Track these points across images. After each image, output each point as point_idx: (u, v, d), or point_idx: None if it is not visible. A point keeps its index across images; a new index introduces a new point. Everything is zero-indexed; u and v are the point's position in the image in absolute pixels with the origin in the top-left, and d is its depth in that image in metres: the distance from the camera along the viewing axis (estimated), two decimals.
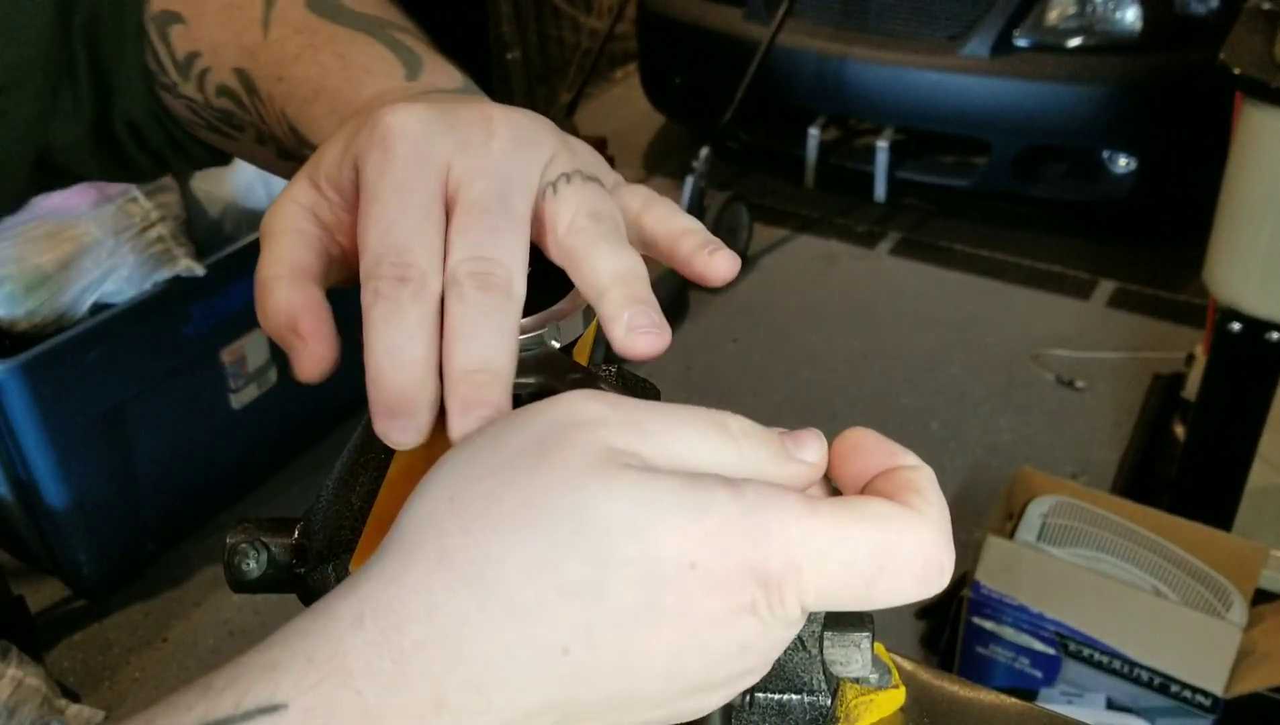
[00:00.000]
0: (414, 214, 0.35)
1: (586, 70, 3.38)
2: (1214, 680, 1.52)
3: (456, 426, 0.34)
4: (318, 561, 0.44)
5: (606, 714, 0.30)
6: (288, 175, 0.50)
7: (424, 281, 0.35)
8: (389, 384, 0.34)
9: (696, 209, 2.93)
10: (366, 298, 0.35)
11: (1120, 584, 1.59)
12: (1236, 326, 1.63)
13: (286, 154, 0.51)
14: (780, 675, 0.48)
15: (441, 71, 0.46)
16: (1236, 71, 1.50)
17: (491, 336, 0.34)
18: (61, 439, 1.88)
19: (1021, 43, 3.01)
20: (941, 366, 2.72)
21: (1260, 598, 1.67)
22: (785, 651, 0.47)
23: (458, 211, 0.36)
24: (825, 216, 3.38)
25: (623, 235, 0.39)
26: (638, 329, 0.37)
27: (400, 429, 0.34)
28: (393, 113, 0.37)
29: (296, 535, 0.47)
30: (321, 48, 0.47)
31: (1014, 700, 0.55)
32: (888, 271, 3.13)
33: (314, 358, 0.38)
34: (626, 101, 4.02)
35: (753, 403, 2.60)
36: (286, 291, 0.38)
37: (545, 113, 0.44)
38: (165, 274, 1.94)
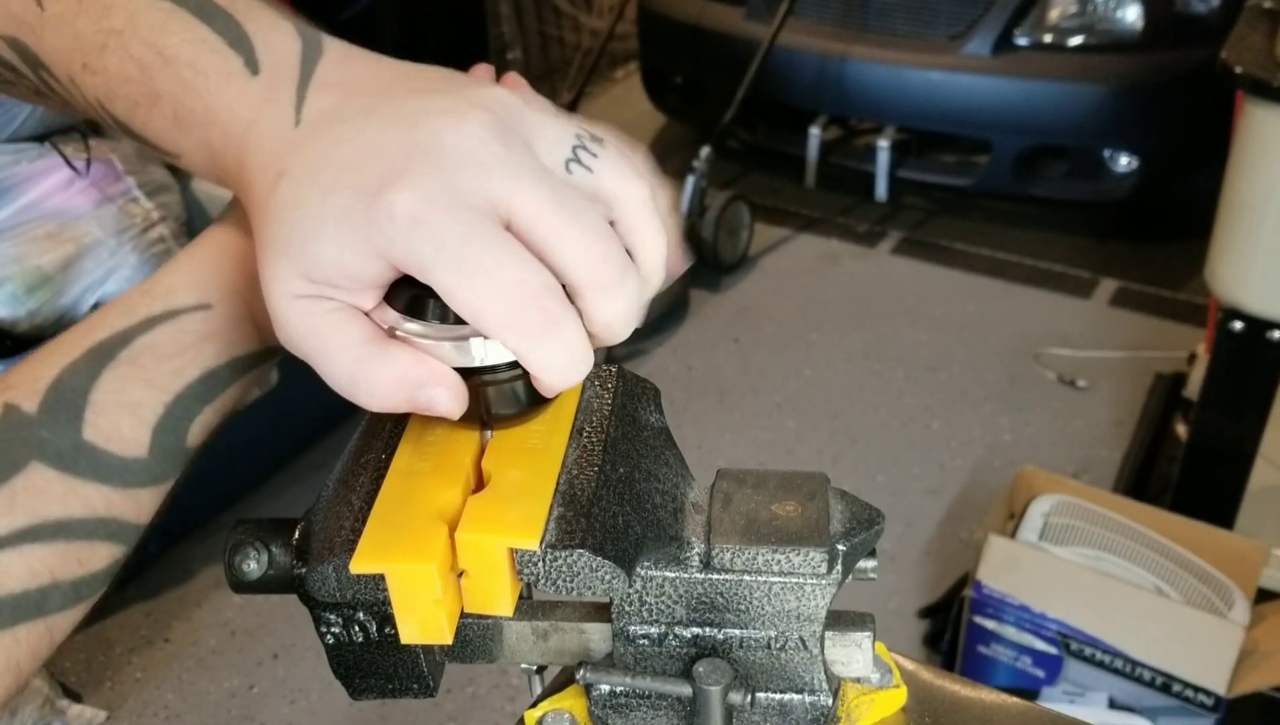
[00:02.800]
0: (510, 257, 0.37)
1: (587, 70, 3.37)
2: (1216, 679, 1.52)
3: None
4: (318, 561, 0.44)
5: None
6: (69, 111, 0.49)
7: (563, 304, 0.38)
8: (570, 375, 0.39)
9: (698, 208, 2.93)
10: (521, 339, 0.37)
11: (1122, 583, 1.59)
12: (1238, 325, 1.63)
13: (73, 108, 0.47)
14: (782, 675, 0.48)
15: (276, 41, 0.41)
16: (1238, 70, 1.50)
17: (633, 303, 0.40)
18: None
19: (1022, 42, 3.01)
20: (943, 366, 2.72)
21: (1262, 597, 1.67)
22: (787, 651, 0.47)
23: (530, 229, 0.37)
24: (826, 216, 3.38)
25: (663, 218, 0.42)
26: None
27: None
28: (397, 192, 0.36)
29: (297, 536, 0.47)
30: (126, 35, 0.42)
31: (1016, 700, 0.55)
32: (889, 271, 3.13)
33: (457, 396, 0.40)
34: (627, 101, 4.02)
35: (753, 402, 2.60)
36: (383, 365, 0.39)
37: None
38: None
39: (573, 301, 0.39)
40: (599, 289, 0.38)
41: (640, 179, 0.41)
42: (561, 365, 0.38)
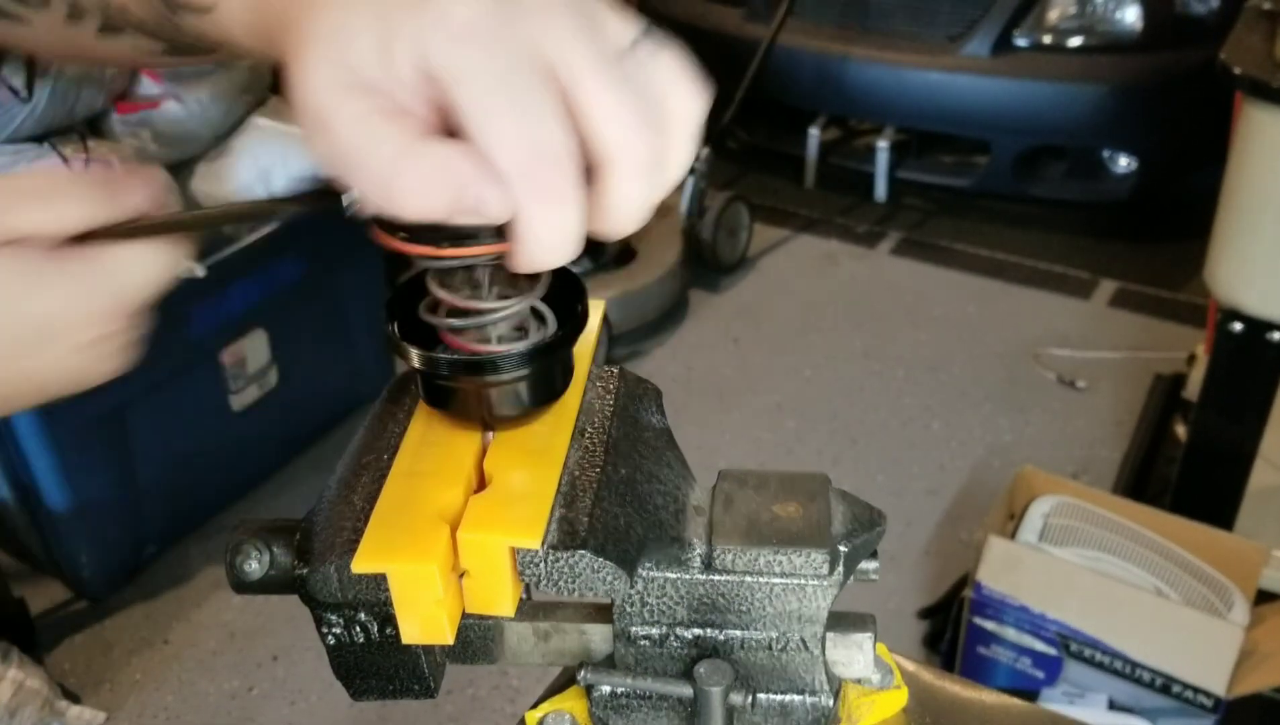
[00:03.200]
0: (546, 108, 0.35)
1: None
2: (1216, 680, 1.52)
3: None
4: (319, 561, 0.44)
5: None
6: (99, 55, 0.48)
7: (579, 180, 0.36)
8: (556, 254, 0.37)
9: (697, 209, 2.93)
10: (526, 194, 0.36)
11: (1122, 584, 1.59)
12: (1238, 326, 1.63)
13: (117, 27, 0.46)
14: (783, 676, 0.48)
15: None
16: (1237, 71, 1.50)
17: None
18: (62, 441, 1.88)
19: (1022, 42, 3.01)
20: (942, 366, 2.72)
21: (1262, 598, 1.67)
22: (788, 652, 0.47)
23: (579, 92, 0.36)
24: (826, 216, 3.38)
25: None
26: None
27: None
28: (461, 2, 0.35)
29: (298, 536, 0.47)
30: None
31: (1016, 700, 0.56)
32: (888, 271, 3.13)
33: (508, 196, 0.36)
34: None
35: (753, 402, 2.60)
36: (429, 158, 0.35)
37: None
38: None
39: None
40: (633, 167, 0.37)
41: (696, 94, 0.40)
42: (551, 240, 0.37)
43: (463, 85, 0.35)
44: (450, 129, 0.37)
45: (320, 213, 0.39)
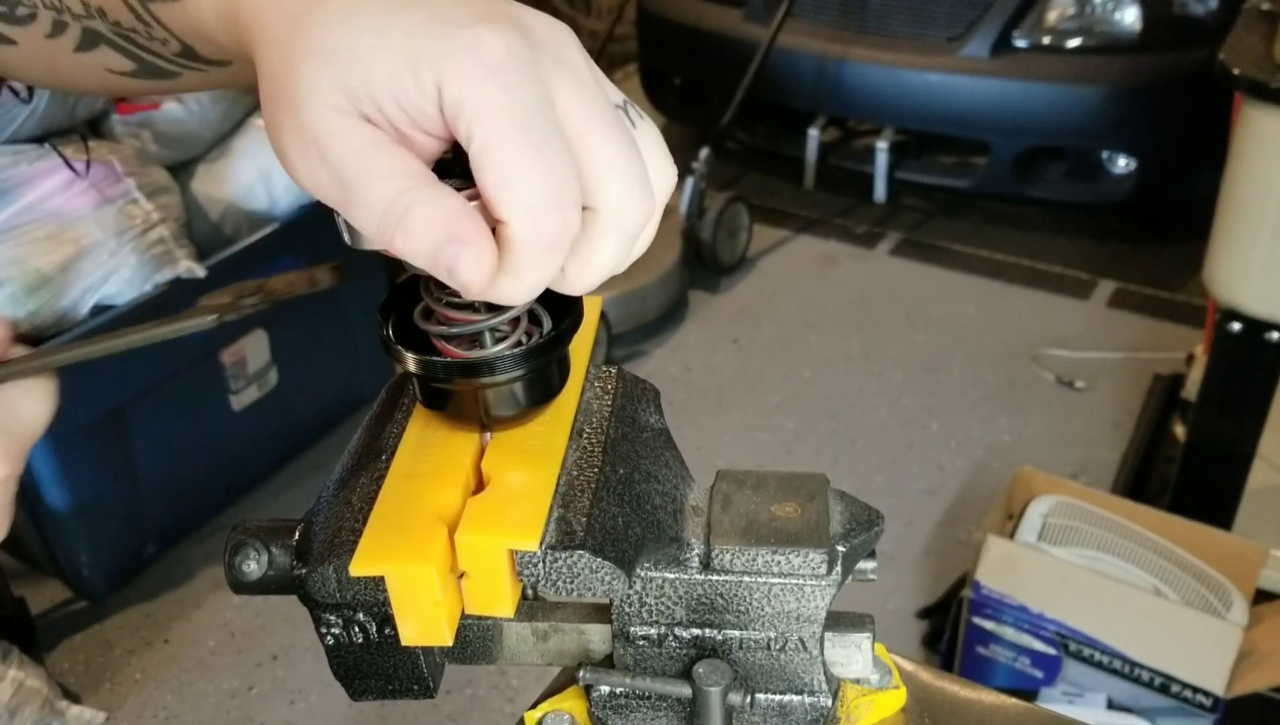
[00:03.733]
0: (564, 157, 0.35)
1: None
2: (1214, 680, 1.52)
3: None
4: (318, 562, 0.44)
5: None
6: (72, 75, 0.46)
7: (578, 223, 0.36)
8: (527, 295, 0.37)
9: (697, 210, 2.93)
10: (529, 238, 0.35)
11: (1121, 584, 1.59)
12: (1236, 326, 1.63)
13: (93, 39, 0.45)
14: (781, 676, 0.48)
15: None
16: (1236, 72, 1.50)
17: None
18: (62, 441, 1.88)
19: (1021, 43, 3.01)
20: (941, 367, 2.72)
21: (1260, 597, 1.67)
22: (786, 652, 0.47)
23: (585, 142, 0.36)
24: (825, 217, 3.38)
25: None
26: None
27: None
28: (489, 31, 0.34)
29: (297, 537, 0.47)
30: None
31: (1014, 700, 0.56)
32: (887, 272, 3.13)
33: (486, 258, 0.36)
34: None
35: (752, 403, 2.60)
36: (430, 203, 0.35)
37: None
38: (166, 275, 1.94)
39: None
40: (622, 229, 0.37)
41: (671, 170, 0.40)
42: (530, 285, 0.36)
43: (487, 123, 0.34)
44: (438, 155, 0.37)
45: (193, 332, 0.40)
